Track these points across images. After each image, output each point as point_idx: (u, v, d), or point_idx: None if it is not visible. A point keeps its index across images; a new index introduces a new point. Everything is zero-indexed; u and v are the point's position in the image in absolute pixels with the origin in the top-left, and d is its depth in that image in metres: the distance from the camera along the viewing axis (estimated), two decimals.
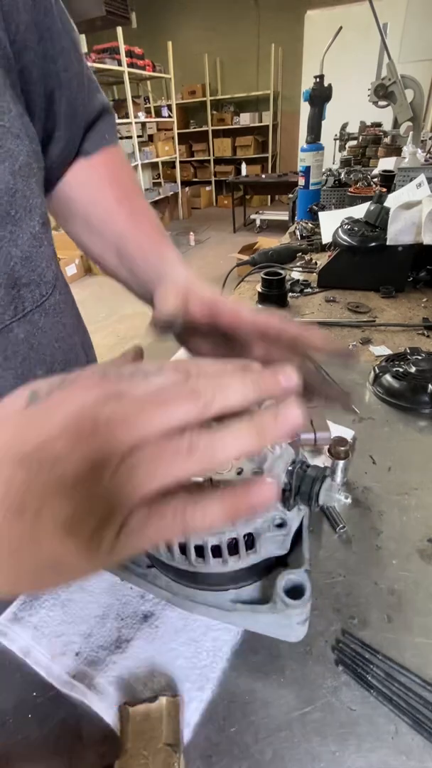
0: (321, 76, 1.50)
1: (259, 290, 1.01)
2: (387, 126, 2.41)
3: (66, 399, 0.18)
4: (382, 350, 0.77)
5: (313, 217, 1.51)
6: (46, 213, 0.37)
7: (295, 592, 0.30)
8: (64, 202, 0.46)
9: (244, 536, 0.30)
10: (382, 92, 1.37)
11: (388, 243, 0.96)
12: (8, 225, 0.30)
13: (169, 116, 6.10)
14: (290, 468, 0.30)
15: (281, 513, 0.31)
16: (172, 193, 6.53)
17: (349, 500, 0.30)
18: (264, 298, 1.00)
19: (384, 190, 1.39)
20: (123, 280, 0.47)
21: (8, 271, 0.31)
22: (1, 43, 0.29)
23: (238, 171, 6.30)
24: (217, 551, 0.30)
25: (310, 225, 1.50)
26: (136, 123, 5.15)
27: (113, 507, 0.16)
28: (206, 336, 0.37)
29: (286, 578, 0.31)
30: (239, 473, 0.30)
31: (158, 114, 6.16)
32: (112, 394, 0.18)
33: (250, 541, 0.31)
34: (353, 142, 2.42)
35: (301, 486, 0.30)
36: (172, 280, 0.37)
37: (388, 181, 1.44)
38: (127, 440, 0.17)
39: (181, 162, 6.60)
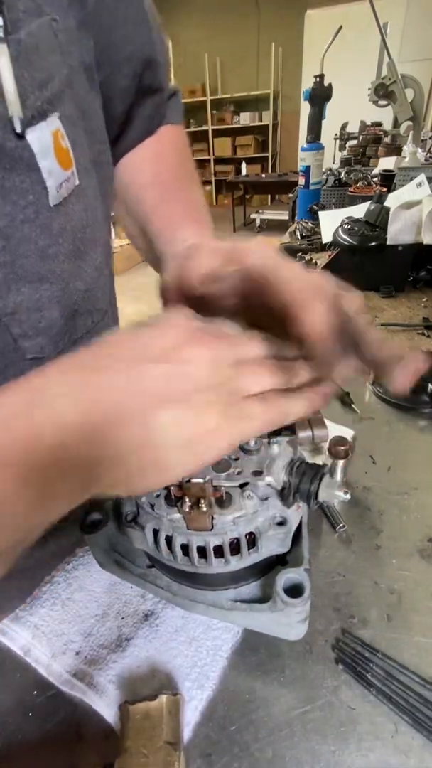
0: (321, 76, 1.50)
1: None
2: (387, 125, 2.41)
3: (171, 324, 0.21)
4: None
5: (313, 216, 1.51)
6: (109, 242, 0.37)
7: (294, 590, 0.30)
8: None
9: (246, 535, 0.30)
10: (382, 92, 1.36)
11: (388, 243, 0.96)
12: (77, 260, 0.30)
13: None
14: (289, 466, 0.30)
15: (281, 511, 0.31)
16: None
17: (348, 496, 0.30)
18: None
19: (384, 189, 1.39)
20: (150, 261, 0.44)
21: (71, 305, 0.31)
22: (85, 63, 0.29)
23: (238, 170, 6.29)
24: (219, 551, 0.30)
25: (310, 225, 1.50)
26: None
27: (236, 392, 0.20)
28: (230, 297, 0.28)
29: (286, 577, 0.31)
30: (239, 473, 0.30)
31: None
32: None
33: (252, 540, 0.31)
34: (353, 142, 2.41)
35: (300, 483, 0.30)
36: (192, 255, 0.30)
37: (388, 180, 1.44)
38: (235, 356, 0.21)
39: None
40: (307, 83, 1.58)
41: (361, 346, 0.24)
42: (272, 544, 0.31)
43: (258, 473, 0.30)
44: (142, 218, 0.42)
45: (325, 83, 1.51)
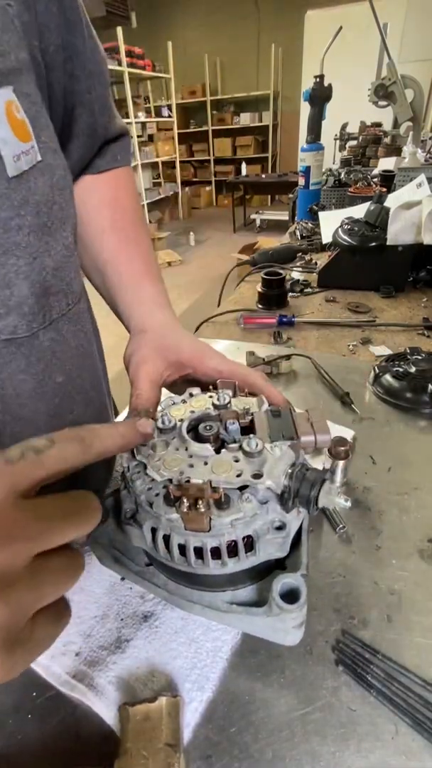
0: (321, 76, 1.50)
1: (259, 290, 1.01)
2: (387, 126, 2.41)
3: None
4: (382, 350, 0.78)
5: (313, 217, 1.51)
6: (76, 224, 0.38)
7: (290, 596, 0.30)
8: None
9: (244, 538, 0.30)
10: (382, 92, 1.37)
11: (388, 243, 0.96)
12: (44, 236, 0.30)
13: (169, 116, 6.11)
14: (290, 470, 0.30)
15: (280, 515, 0.31)
16: (172, 193, 6.53)
17: (348, 504, 0.30)
18: (264, 298, 1.00)
19: (384, 190, 1.39)
20: (106, 301, 0.48)
21: (41, 281, 0.31)
22: (36, 61, 0.30)
23: (238, 171, 6.30)
24: (216, 553, 0.30)
25: (310, 225, 1.50)
26: (136, 123, 5.15)
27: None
28: (183, 385, 0.41)
29: (282, 582, 0.31)
30: (238, 476, 0.30)
31: (158, 114, 6.17)
32: (11, 502, 0.19)
33: (249, 543, 0.31)
34: (353, 142, 2.42)
35: (300, 489, 0.30)
36: (143, 353, 0.39)
37: (388, 181, 1.44)
38: (31, 545, 0.19)
39: (181, 162, 6.60)
40: (307, 84, 1.58)
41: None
42: (270, 548, 0.31)
43: (257, 476, 0.30)
44: (102, 264, 0.45)
45: (325, 84, 1.51)
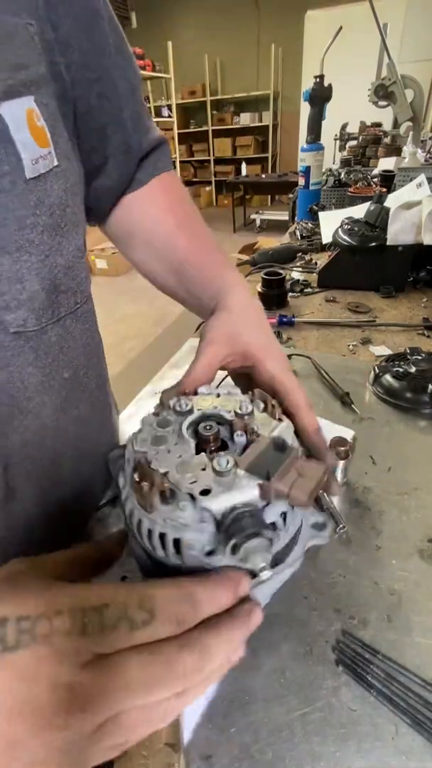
0: (321, 76, 1.50)
1: (259, 290, 1.01)
2: (387, 126, 2.41)
3: (40, 663, 0.17)
4: (382, 350, 0.78)
5: (313, 217, 1.51)
6: (86, 229, 0.39)
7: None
8: (125, 229, 0.47)
9: (173, 540, 0.30)
10: (382, 92, 1.37)
11: (388, 243, 0.96)
12: (57, 236, 0.32)
13: (169, 116, 6.11)
14: (238, 506, 0.28)
15: (210, 542, 0.29)
16: None
17: (268, 575, 0.26)
18: (264, 298, 1.00)
19: (384, 190, 1.39)
20: (182, 300, 0.48)
21: (51, 278, 0.33)
22: (60, 76, 0.32)
23: (238, 171, 6.30)
24: (161, 539, 0.29)
25: (310, 225, 1.50)
26: None
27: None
28: (238, 377, 0.41)
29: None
30: (192, 483, 0.29)
31: (158, 114, 6.17)
32: (90, 664, 0.18)
33: (178, 545, 0.30)
34: (353, 142, 2.42)
35: (229, 528, 0.27)
36: (215, 333, 0.38)
37: (388, 181, 1.44)
38: (105, 714, 0.18)
39: (181, 162, 6.60)
40: (307, 84, 1.58)
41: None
42: (195, 561, 0.29)
43: (205, 492, 0.29)
44: (178, 263, 0.46)
45: (325, 84, 1.51)
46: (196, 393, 0.37)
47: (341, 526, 0.44)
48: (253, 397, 0.35)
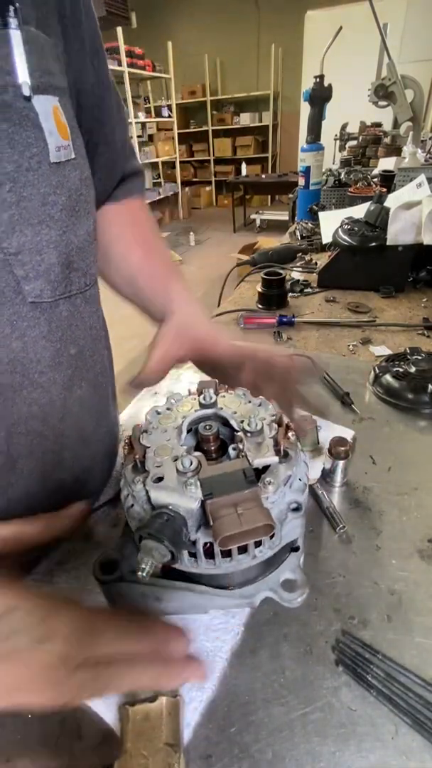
0: (321, 76, 1.50)
1: (259, 290, 1.01)
2: (387, 126, 2.41)
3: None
4: (382, 350, 0.78)
5: (313, 217, 1.51)
6: (95, 222, 0.43)
7: None
8: None
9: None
10: (382, 92, 1.37)
11: (388, 243, 0.96)
12: (72, 217, 0.35)
13: (169, 116, 6.11)
14: (164, 510, 0.29)
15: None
16: (172, 193, 6.53)
17: (145, 576, 0.27)
18: (264, 298, 1.00)
19: (384, 190, 1.39)
20: (139, 308, 0.54)
21: (66, 254, 0.36)
22: (72, 93, 0.37)
23: (238, 171, 6.30)
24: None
25: (310, 225, 1.50)
26: (136, 123, 5.15)
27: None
28: (201, 365, 0.49)
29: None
30: (158, 466, 0.32)
31: (158, 114, 6.16)
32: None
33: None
34: (353, 142, 2.42)
35: (149, 519, 0.29)
36: (165, 329, 0.47)
37: (388, 181, 1.44)
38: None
39: (181, 162, 6.60)
40: (307, 84, 1.58)
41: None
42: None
43: (158, 479, 0.31)
44: (132, 274, 0.52)
45: (325, 84, 1.51)
46: (231, 393, 0.39)
47: (341, 526, 0.44)
48: (274, 419, 0.35)
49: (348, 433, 0.55)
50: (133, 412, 0.67)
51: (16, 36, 0.27)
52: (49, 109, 0.30)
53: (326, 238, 1.19)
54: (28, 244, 0.32)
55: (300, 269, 1.22)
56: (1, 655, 0.23)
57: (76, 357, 0.41)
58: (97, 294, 0.44)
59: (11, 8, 0.26)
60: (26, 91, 0.28)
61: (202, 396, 0.37)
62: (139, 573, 0.27)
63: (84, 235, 0.38)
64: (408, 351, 0.68)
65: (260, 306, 1.01)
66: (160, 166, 6.56)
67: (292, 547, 0.36)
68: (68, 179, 0.34)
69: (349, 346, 0.80)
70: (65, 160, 0.33)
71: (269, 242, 3.34)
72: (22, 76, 0.27)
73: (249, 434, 0.34)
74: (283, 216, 4.89)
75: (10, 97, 0.28)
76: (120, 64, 4.53)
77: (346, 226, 1.03)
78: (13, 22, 0.27)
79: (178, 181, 6.59)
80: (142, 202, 0.56)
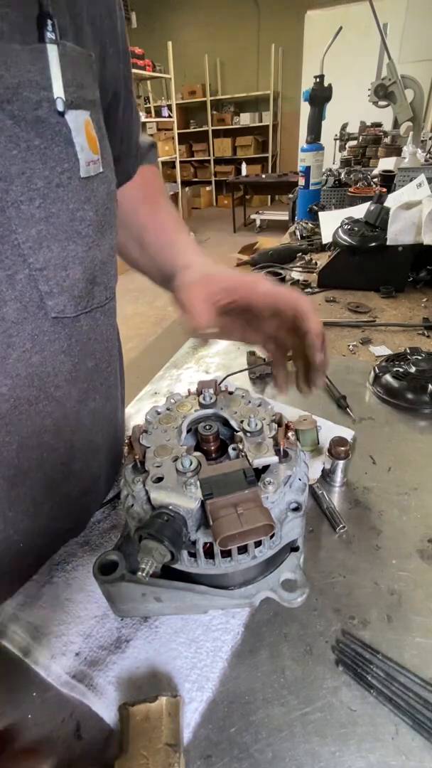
0: (321, 76, 1.50)
1: None
2: (387, 126, 2.41)
3: None
4: (382, 350, 0.77)
5: (313, 217, 1.51)
6: (117, 232, 0.44)
7: None
8: None
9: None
10: (382, 92, 1.37)
11: (388, 243, 0.96)
12: (98, 232, 0.35)
13: (169, 116, 6.10)
14: (163, 510, 0.29)
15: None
16: (172, 193, 6.51)
17: (145, 577, 0.27)
18: None
19: (384, 190, 1.39)
20: (143, 268, 0.52)
21: (91, 269, 0.36)
22: (106, 96, 0.38)
23: (238, 171, 6.29)
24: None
25: (310, 225, 1.50)
26: None
27: None
28: (226, 312, 0.42)
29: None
30: (158, 466, 0.32)
31: (158, 114, 6.15)
32: None
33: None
34: (353, 142, 2.42)
35: (149, 519, 0.28)
36: (190, 280, 0.42)
37: (388, 181, 1.44)
38: None
39: (181, 162, 6.59)
40: (307, 84, 1.58)
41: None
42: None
43: (158, 479, 0.31)
44: (139, 228, 0.51)
45: (325, 84, 1.51)
46: (231, 393, 0.39)
47: (341, 525, 0.44)
48: (274, 419, 0.35)
49: (348, 433, 0.55)
50: (132, 411, 0.67)
51: (53, 50, 0.27)
52: (81, 124, 0.30)
53: (326, 238, 1.19)
54: (54, 260, 0.32)
55: (300, 269, 1.22)
56: None
57: (92, 370, 0.41)
58: (114, 306, 0.44)
59: (49, 23, 0.26)
60: (60, 106, 0.28)
61: (201, 396, 0.37)
62: (139, 573, 0.27)
63: (108, 249, 0.38)
64: (408, 351, 0.68)
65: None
66: (160, 166, 6.52)
67: (292, 547, 0.36)
68: (96, 194, 0.34)
69: (349, 346, 0.80)
70: (94, 174, 0.33)
71: (269, 242, 3.34)
72: (57, 91, 0.27)
73: (249, 434, 0.34)
74: (283, 216, 4.89)
75: (45, 113, 0.27)
76: None
77: (346, 226, 1.03)
78: (50, 36, 0.27)
79: (178, 181, 6.58)
80: (153, 168, 0.56)
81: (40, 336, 0.33)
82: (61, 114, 0.28)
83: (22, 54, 0.25)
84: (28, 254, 0.30)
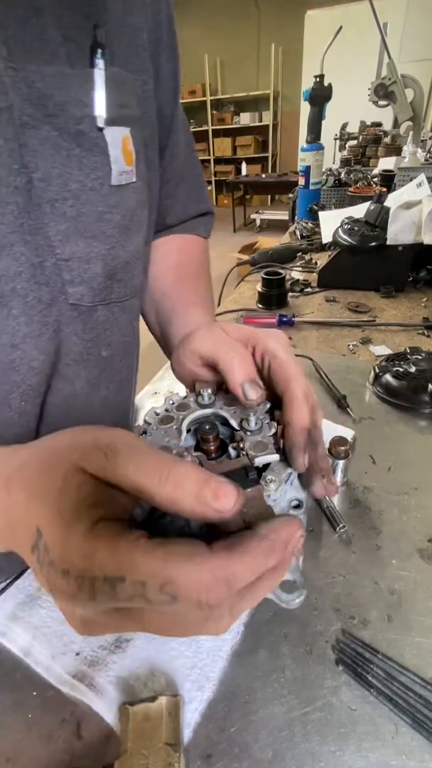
0: (321, 76, 1.50)
1: (259, 290, 1.01)
2: (387, 126, 2.41)
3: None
4: (382, 350, 0.78)
5: (313, 216, 1.51)
6: (150, 237, 0.46)
7: None
8: None
9: None
10: (382, 92, 1.36)
11: (388, 243, 0.96)
12: (123, 235, 0.38)
13: None
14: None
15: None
16: None
17: None
18: (264, 298, 1.00)
19: (384, 189, 1.39)
20: (157, 336, 0.55)
21: (112, 267, 0.38)
22: (149, 123, 0.41)
23: (238, 171, 6.30)
24: None
25: (310, 225, 1.50)
26: None
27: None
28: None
29: None
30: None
31: None
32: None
33: None
34: (353, 142, 2.42)
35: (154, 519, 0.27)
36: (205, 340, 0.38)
37: (388, 180, 1.44)
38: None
39: None
40: (307, 83, 1.58)
41: (310, 451, 0.32)
42: None
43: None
44: (159, 296, 0.53)
45: (325, 83, 1.51)
46: (228, 392, 0.38)
47: (341, 525, 0.44)
48: (273, 417, 0.35)
49: (348, 433, 0.55)
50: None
51: (99, 75, 0.31)
52: (118, 139, 0.34)
53: (326, 237, 1.19)
54: (78, 254, 0.35)
55: (300, 269, 1.22)
56: None
57: (106, 359, 0.43)
58: (135, 305, 0.46)
59: (99, 51, 0.30)
60: (100, 123, 0.32)
61: (200, 396, 0.37)
62: None
63: (132, 251, 0.40)
64: (408, 351, 0.68)
65: (260, 306, 1.01)
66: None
67: None
68: (125, 200, 0.37)
69: (349, 345, 0.80)
70: (125, 183, 0.36)
71: (269, 242, 3.34)
72: (99, 109, 0.32)
73: (249, 433, 0.34)
74: (283, 216, 4.89)
75: (86, 127, 0.31)
76: None
77: (346, 226, 1.03)
78: (99, 63, 0.31)
79: None
80: (200, 240, 0.59)
81: (59, 317, 0.37)
82: (100, 129, 0.32)
83: (73, 77, 0.30)
84: (57, 246, 0.33)
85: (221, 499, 0.20)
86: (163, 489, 0.20)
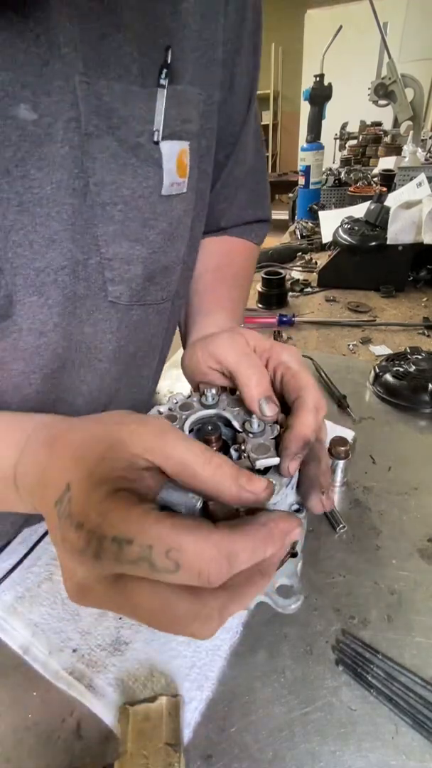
0: (321, 76, 1.50)
1: (259, 290, 1.01)
2: (387, 125, 2.41)
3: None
4: (382, 350, 0.78)
5: (313, 216, 1.51)
6: (195, 246, 0.48)
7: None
8: None
9: None
10: (383, 91, 1.36)
11: (388, 242, 0.96)
12: (166, 241, 0.39)
13: None
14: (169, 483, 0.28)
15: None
16: None
17: None
18: (264, 298, 1.00)
19: (384, 189, 1.39)
20: (182, 333, 0.55)
21: (152, 270, 0.40)
22: (209, 134, 0.42)
23: None
24: None
25: (310, 224, 1.50)
26: None
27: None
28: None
29: None
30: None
31: None
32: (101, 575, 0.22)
33: None
34: (353, 142, 2.42)
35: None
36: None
37: (388, 180, 1.44)
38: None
39: None
40: (307, 83, 1.58)
41: (312, 465, 0.32)
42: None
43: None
44: (191, 294, 0.53)
45: (325, 83, 1.51)
46: (233, 392, 0.39)
47: (341, 525, 0.43)
48: (277, 421, 0.35)
49: (348, 434, 0.55)
50: None
51: (162, 93, 0.32)
52: (174, 152, 0.35)
53: (326, 237, 1.19)
54: (121, 255, 0.36)
55: (300, 269, 1.22)
56: None
57: (132, 355, 0.45)
58: (168, 309, 0.47)
59: (164, 71, 0.32)
60: (156, 137, 0.33)
61: (203, 396, 0.37)
62: None
63: (173, 257, 0.42)
64: (408, 350, 0.68)
65: (260, 305, 1.01)
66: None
67: (291, 553, 0.36)
68: (173, 210, 0.38)
69: (349, 345, 0.80)
70: (175, 194, 0.38)
71: (269, 242, 3.33)
72: (157, 124, 0.33)
73: (251, 435, 0.34)
74: (283, 215, 4.87)
75: (144, 140, 0.33)
76: None
77: (346, 226, 1.03)
78: (162, 83, 0.32)
79: None
80: (249, 244, 0.59)
81: (96, 313, 0.38)
82: (156, 143, 0.34)
83: (138, 94, 0.31)
84: (102, 245, 0.35)
85: (255, 483, 0.24)
86: (208, 467, 0.24)
